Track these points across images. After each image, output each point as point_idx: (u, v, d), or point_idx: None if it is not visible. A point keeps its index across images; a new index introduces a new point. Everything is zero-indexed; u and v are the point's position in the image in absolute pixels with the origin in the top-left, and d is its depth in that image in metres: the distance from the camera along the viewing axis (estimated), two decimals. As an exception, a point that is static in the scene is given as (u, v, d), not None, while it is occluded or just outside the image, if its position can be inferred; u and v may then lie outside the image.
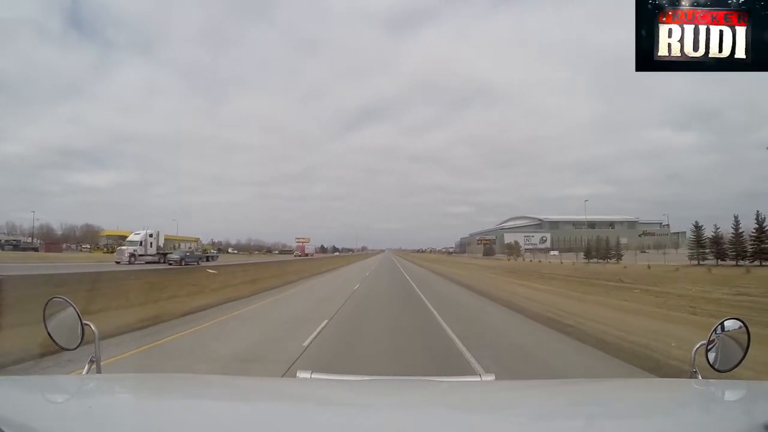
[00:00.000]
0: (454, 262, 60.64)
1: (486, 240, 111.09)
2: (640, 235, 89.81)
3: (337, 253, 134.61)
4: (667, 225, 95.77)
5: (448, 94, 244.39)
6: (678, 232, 72.93)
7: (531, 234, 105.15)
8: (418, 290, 20.30)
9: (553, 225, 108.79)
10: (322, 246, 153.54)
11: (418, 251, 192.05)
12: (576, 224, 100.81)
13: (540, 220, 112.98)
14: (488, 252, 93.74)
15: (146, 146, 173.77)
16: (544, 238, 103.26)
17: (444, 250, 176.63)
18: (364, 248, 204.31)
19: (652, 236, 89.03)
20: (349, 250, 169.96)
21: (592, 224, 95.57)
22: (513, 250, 75.06)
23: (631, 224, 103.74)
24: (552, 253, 72.50)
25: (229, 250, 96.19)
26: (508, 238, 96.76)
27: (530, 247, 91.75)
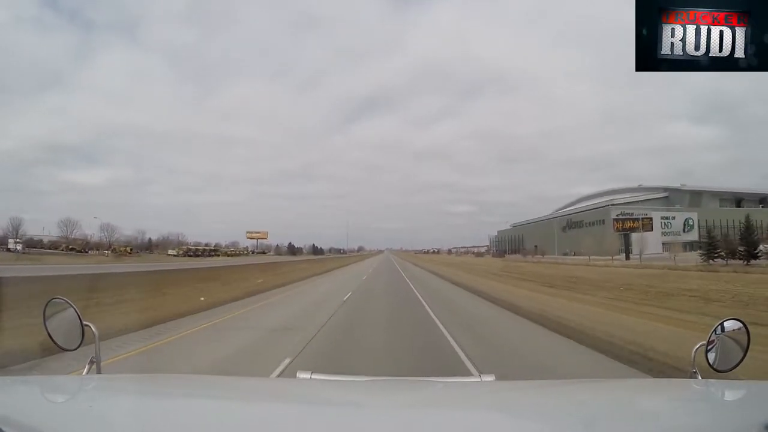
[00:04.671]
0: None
1: (636, 221, 60.13)
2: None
3: (323, 256, 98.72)
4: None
5: (453, 86, 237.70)
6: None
7: (670, 216, 63.06)
8: None
9: (694, 199, 66.22)
10: (291, 245, 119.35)
11: (423, 252, 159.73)
12: (721, 200, 66.54)
13: (666, 189, 68.95)
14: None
15: (138, 141, 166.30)
16: (690, 222, 62.03)
17: (454, 250, 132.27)
18: (360, 248, 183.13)
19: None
20: (339, 250, 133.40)
21: (737, 200, 65.29)
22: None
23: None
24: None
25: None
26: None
27: (669, 237, 58.45)
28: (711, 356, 1.58)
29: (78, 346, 1.66)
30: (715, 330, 1.60)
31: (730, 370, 1.55)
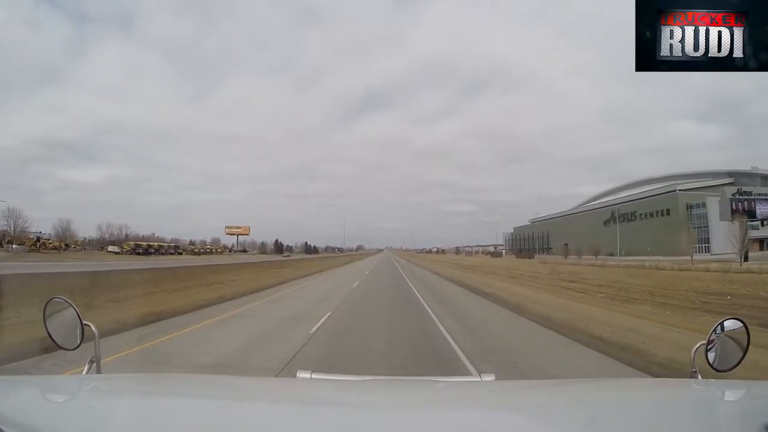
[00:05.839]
0: None
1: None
2: None
3: (315, 255, 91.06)
4: None
5: (454, 84, 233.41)
6: None
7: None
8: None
9: (766, 185, 52.30)
10: (277, 242, 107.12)
11: (425, 251, 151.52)
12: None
13: (730, 174, 55.54)
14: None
15: (135, 139, 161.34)
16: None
17: (462, 250, 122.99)
18: (359, 247, 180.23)
19: None
20: (334, 249, 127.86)
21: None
22: None
23: None
24: None
25: None
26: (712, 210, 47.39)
27: (757, 232, 45.31)
28: (711, 356, 1.58)
29: (78, 346, 1.65)
30: (714, 329, 1.59)
31: (730, 369, 1.55)
